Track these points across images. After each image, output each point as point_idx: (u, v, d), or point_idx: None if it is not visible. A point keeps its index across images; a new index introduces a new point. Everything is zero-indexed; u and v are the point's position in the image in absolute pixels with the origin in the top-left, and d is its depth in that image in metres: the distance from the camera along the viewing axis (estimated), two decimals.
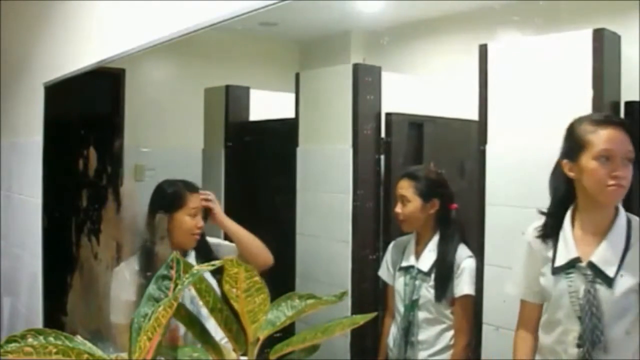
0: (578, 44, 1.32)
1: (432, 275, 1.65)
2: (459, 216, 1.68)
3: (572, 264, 1.24)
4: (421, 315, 1.66)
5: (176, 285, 0.99)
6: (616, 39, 1.29)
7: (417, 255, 1.70)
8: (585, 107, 1.28)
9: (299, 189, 2.04)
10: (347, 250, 1.86)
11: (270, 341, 1.12)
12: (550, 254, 1.28)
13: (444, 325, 1.64)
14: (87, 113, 2.67)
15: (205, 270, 0.99)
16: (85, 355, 0.88)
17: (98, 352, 0.90)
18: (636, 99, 1.27)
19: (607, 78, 1.29)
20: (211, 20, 1.69)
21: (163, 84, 2.43)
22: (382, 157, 1.84)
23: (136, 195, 2.37)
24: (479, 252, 1.48)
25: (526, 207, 1.37)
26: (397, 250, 1.77)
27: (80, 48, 2.53)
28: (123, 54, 2.14)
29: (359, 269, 1.82)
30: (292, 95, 2.07)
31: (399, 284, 1.72)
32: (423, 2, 1.75)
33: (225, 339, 1.13)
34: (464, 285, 1.60)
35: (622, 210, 1.22)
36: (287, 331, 1.14)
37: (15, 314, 3.30)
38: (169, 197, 1.91)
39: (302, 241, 2.03)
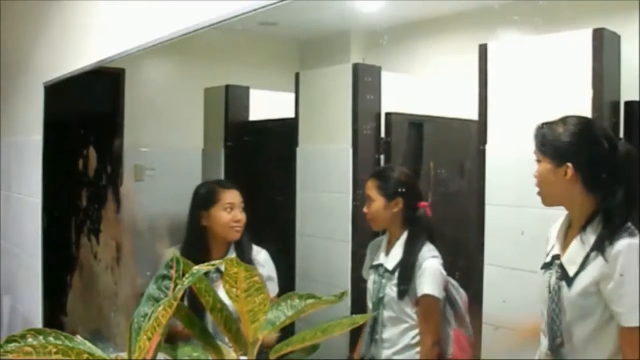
0: (578, 44, 1.32)
1: (396, 274, 1.66)
2: (427, 215, 1.68)
3: (553, 261, 1.26)
4: (386, 314, 1.66)
5: (176, 285, 0.99)
6: (616, 39, 1.29)
7: (387, 254, 1.71)
8: (585, 107, 1.28)
9: (299, 189, 2.04)
10: (347, 250, 1.86)
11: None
12: (549, 249, 1.30)
13: (406, 325, 1.65)
14: (87, 113, 2.67)
15: (205, 270, 0.99)
16: (85, 355, 0.88)
17: (98, 352, 0.90)
18: (636, 99, 1.27)
19: (607, 78, 1.29)
20: (211, 20, 1.69)
21: (163, 84, 2.43)
22: (382, 157, 1.84)
23: (136, 195, 2.38)
24: (479, 252, 1.48)
25: (526, 207, 1.37)
26: (373, 249, 1.79)
27: (80, 48, 2.53)
28: (123, 54, 2.14)
29: (359, 269, 1.82)
30: (292, 95, 2.07)
31: (370, 282, 1.73)
32: (423, 2, 1.75)
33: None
34: (424, 286, 1.60)
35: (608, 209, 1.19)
36: (287, 331, 1.14)
37: (15, 314, 3.30)
38: (203, 196, 2.02)
39: (302, 241, 2.03)
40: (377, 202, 1.70)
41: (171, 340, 1.14)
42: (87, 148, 2.53)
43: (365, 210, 1.73)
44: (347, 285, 1.84)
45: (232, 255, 1.90)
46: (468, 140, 1.59)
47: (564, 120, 1.24)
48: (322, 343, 1.16)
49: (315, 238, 2.01)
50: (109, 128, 2.53)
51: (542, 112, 1.35)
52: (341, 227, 1.87)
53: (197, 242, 1.96)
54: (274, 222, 2.19)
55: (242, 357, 1.10)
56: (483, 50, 1.48)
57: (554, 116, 1.26)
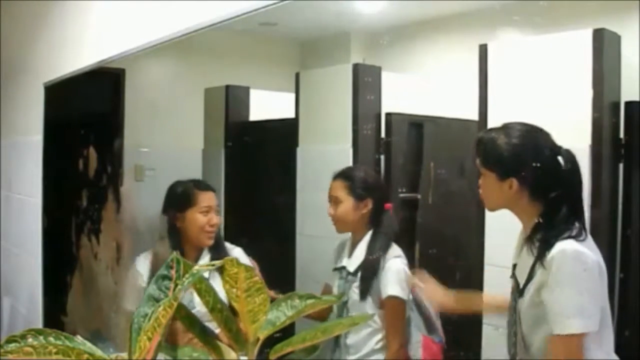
0: (578, 44, 1.32)
1: (358, 276, 1.62)
2: (392, 216, 1.66)
3: (513, 271, 1.26)
4: None
5: (176, 285, 0.99)
6: (616, 39, 1.29)
7: (350, 255, 1.67)
8: (585, 107, 1.28)
9: (299, 189, 2.04)
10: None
11: (270, 341, 1.12)
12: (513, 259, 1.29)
13: (370, 329, 1.60)
14: (87, 113, 2.66)
15: (205, 270, 0.99)
16: (85, 355, 0.87)
17: (98, 352, 0.90)
18: (636, 99, 1.27)
19: (607, 78, 1.29)
20: (211, 20, 1.69)
21: (163, 84, 2.43)
22: (382, 157, 1.84)
23: (136, 195, 2.37)
24: (479, 252, 1.48)
25: None
26: (337, 251, 1.74)
27: (80, 48, 2.53)
28: (123, 54, 2.14)
29: None
30: (292, 95, 2.07)
31: (335, 285, 1.68)
32: (423, 2, 1.75)
33: None
34: (388, 287, 1.56)
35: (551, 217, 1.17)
36: (287, 331, 1.14)
37: (15, 314, 3.30)
38: (179, 197, 1.91)
39: (302, 241, 2.03)
40: (346, 203, 1.65)
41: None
42: (87, 148, 2.53)
43: (330, 211, 1.68)
44: None
45: (206, 259, 1.85)
46: (468, 140, 1.59)
47: (505, 130, 1.21)
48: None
49: (315, 238, 2.01)
50: (109, 128, 2.53)
51: (541, 111, 1.35)
52: None
53: (171, 244, 1.85)
54: (274, 222, 2.19)
55: (242, 357, 1.10)
56: (483, 50, 1.48)
57: (554, 116, 1.27)
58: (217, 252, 1.85)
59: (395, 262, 1.58)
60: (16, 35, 3.22)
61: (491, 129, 1.24)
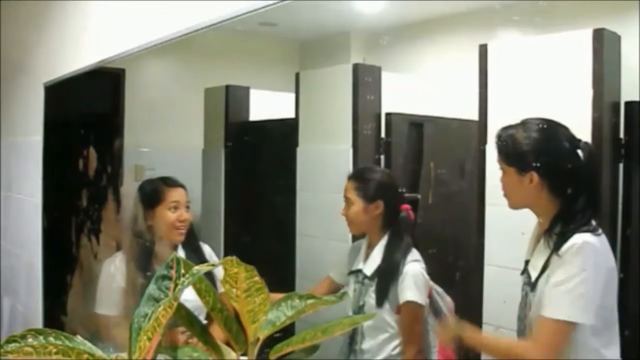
0: (578, 44, 1.33)
1: (375, 280, 1.58)
2: (410, 218, 1.62)
3: (525, 267, 1.26)
4: (366, 323, 1.58)
5: (176, 285, 0.99)
6: (616, 39, 1.29)
7: (366, 258, 1.64)
8: (585, 107, 1.28)
9: (299, 189, 2.04)
10: (346, 251, 1.85)
11: (270, 341, 1.12)
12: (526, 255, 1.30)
13: (386, 335, 1.57)
14: (87, 113, 2.67)
15: (205, 270, 0.99)
16: (85, 355, 0.87)
17: (98, 352, 0.90)
18: (636, 99, 1.27)
19: (607, 78, 1.29)
20: (211, 20, 1.69)
21: (163, 84, 2.43)
22: (382, 157, 1.84)
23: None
24: (479, 252, 1.48)
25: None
26: (352, 253, 1.72)
27: (80, 48, 2.53)
28: (123, 54, 2.14)
29: None
30: (292, 95, 2.08)
31: (350, 289, 1.65)
32: (423, 3, 1.76)
33: None
34: (406, 292, 1.53)
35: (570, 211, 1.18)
36: (287, 331, 1.14)
37: (15, 314, 3.30)
38: (147, 195, 1.91)
39: (302, 241, 2.03)
40: (356, 205, 1.62)
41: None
42: (87, 148, 2.53)
43: (343, 212, 1.66)
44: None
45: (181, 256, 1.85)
46: (468, 140, 1.59)
47: (524, 125, 1.22)
48: (322, 343, 1.16)
49: (315, 238, 2.01)
50: (109, 128, 2.53)
51: (542, 112, 1.35)
52: (341, 227, 1.87)
53: (144, 243, 1.85)
54: (274, 222, 2.20)
55: (242, 357, 1.10)
56: (483, 50, 1.49)
57: (554, 116, 1.27)
58: (192, 249, 1.86)
59: (413, 267, 1.55)
60: (16, 35, 3.22)
61: (510, 125, 1.25)
